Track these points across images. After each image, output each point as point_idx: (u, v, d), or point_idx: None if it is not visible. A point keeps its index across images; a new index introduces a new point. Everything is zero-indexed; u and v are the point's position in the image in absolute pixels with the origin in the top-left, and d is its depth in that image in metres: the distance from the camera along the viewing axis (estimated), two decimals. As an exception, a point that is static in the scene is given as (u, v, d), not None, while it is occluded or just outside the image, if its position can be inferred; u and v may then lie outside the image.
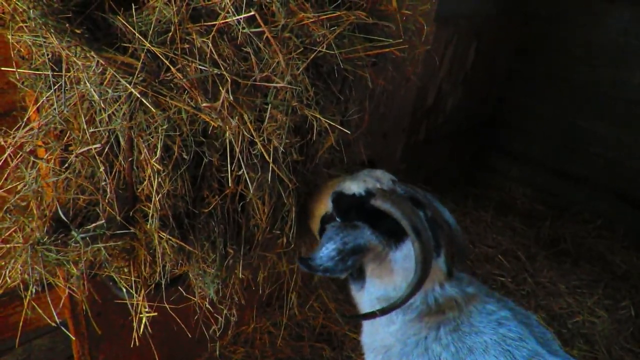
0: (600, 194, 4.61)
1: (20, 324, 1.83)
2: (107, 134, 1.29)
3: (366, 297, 1.61)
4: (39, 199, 1.40)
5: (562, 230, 4.45)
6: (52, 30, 1.14)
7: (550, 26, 4.59)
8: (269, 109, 1.36)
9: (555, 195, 4.90)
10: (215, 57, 1.25)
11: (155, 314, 1.63)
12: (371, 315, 1.47)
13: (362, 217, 1.52)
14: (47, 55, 1.21)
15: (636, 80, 4.19)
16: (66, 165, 1.37)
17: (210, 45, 1.23)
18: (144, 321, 1.61)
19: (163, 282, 1.61)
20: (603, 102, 4.42)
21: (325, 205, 1.67)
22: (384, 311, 1.44)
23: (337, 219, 1.59)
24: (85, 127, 1.25)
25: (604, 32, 4.26)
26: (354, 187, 1.59)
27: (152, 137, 1.30)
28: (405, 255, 1.50)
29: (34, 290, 1.47)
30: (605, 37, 4.27)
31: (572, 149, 4.73)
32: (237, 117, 1.30)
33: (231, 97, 1.26)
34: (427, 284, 1.50)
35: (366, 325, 1.72)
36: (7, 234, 1.41)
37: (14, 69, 1.27)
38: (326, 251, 1.44)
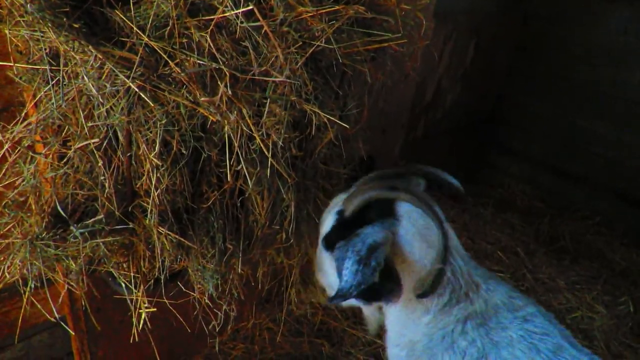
0: (600, 192, 4.61)
1: (20, 320, 1.84)
2: (105, 128, 1.29)
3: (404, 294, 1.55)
4: (37, 194, 1.40)
5: (562, 228, 4.46)
6: (49, 25, 1.13)
7: (550, 25, 4.58)
8: (267, 103, 1.36)
9: (555, 194, 4.90)
10: (214, 51, 1.25)
11: (155, 309, 1.63)
12: (439, 275, 1.39)
13: (352, 229, 1.47)
14: (45, 49, 1.21)
15: (636, 80, 4.19)
16: (64, 160, 1.37)
17: (208, 39, 1.23)
18: (143, 316, 1.61)
19: (162, 278, 1.61)
20: (603, 101, 4.42)
21: (330, 264, 1.62)
22: (441, 260, 1.37)
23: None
24: (83, 121, 1.25)
25: (604, 31, 4.26)
26: (327, 224, 1.60)
27: (151, 132, 1.30)
28: (409, 219, 1.46)
29: (32, 286, 1.47)
30: (605, 36, 4.27)
31: (571, 148, 4.73)
32: (235, 112, 1.30)
33: (230, 92, 1.26)
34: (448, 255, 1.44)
35: (394, 320, 1.64)
36: (5, 229, 1.40)
37: (12, 64, 1.26)
38: (347, 271, 1.38)
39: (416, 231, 1.47)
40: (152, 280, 1.65)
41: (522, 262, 3.91)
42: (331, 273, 1.63)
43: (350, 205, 1.49)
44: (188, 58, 1.23)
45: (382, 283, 1.49)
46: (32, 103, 1.29)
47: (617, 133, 4.40)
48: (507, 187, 5.17)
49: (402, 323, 1.61)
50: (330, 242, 1.56)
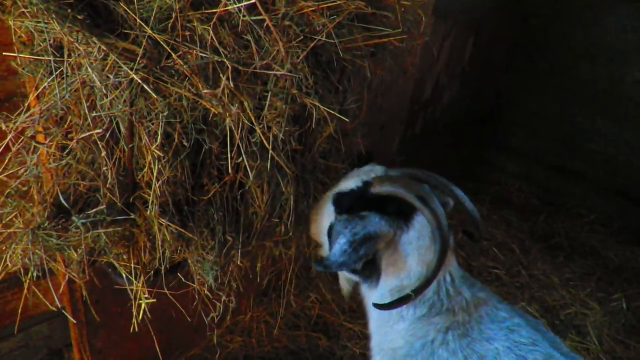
0: (597, 190, 4.65)
1: (19, 310, 1.85)
2: (107, 119, 1.30)
3: (378, 292, 1.57)
4: (39, 184, 1.41)
5: (557, 225, 4.50)
6: (53, 16, 1.14)
7: (549, 22, 4.60)
8: (268, 96, 1.38)
9: (551, 191, 4.94)
10: (216, 44, 1.26)
11: (154, 300, 1.65)
12: (405, 299, 1.42)
13: (366, 208, 1.49)
14: (49, 40, 1.22)
15: (634, 77, 4.22)
16: (67, 151, 1.38)
17: (211, 32, 1.24)
18: (143, 307, 1.63)
19: (162, 269, 1.63)
20: (601, 99, 4.45)
21: (328, 217, 1.64)
22: (417, 291, 1.39)
23: (340, 216, 1.55)
24: (86, 112, 1.26)
25: (603, 29, 4.28)
26: (349, 183, 1.59)
27: (153, 124, 1.31)
28: (417, 233, 1.47)
29: (34, 275, 1.49)
30: (604, 33, 4.29)
31: (569, 145, 4.76)
32: (237, 105, 1.31)
33: (231, 84, 1.27)
34: (439, 273, 1.46)
35: (376, 327, 1.67)
36: (8, 219, 1.42)
37: (15, 54, 1.27)
38: (338, 246, 1.42)
39: (418, 246, 1.48)
40: (152, 272, 1.66)
41: (517, 259, 3.95)
42: (325, 226, 1.65)
43: (380, 186, 1.48)
44: (191, 51, 1.24)
45: (363, 271, 1.56)
46: (35, 94, 1.30)
47: (615, 130, 4.43)
48: (503, 184, 5.21)
49: (381, 327, 1.63)
50: (340, 202, 1.57)
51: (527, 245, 4.16)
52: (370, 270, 1.57)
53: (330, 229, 1.61)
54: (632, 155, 4.38)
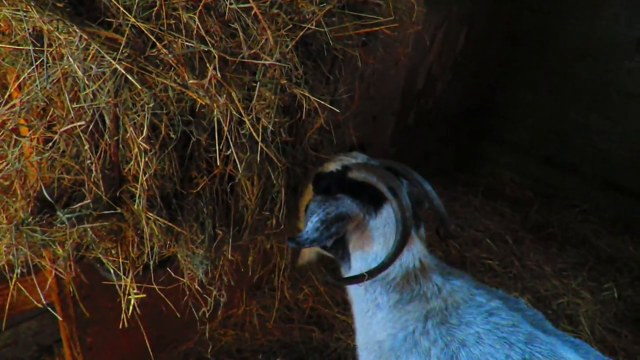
0: (589, 181, 4.68)
1: (7, 307, 1.82)
2: (91, 111, 1.26)
3: (351, 274, 1.63)
4: (22, 178, 1.37)
5: (550, 216, 4.52)
6: (32, 4, 1.10)
7: (543, 16, 4.59)
8: (257, 87, 1.34)
9: (544, 183, 4.96)
10: (202, 33, 1.22)
11: (144, 295, 1.62)
12: (359, 278, 1.50)
13: (341, 191, 1.57)
14: (28, 30, 1.18)
15: (625, 70, 4.22)
16: (50, 144, 1.34)
17: (197, 21, 1.21)
18: (132, 303, 1.60)
19: (151, 264, 1.60)
20: (593, 92, 4.45)
21: (308, 195, 1.72)
22: (371, 273, 1.47)
23: (316, 196, 1.63)
24: (68, 104, 1.22)
25: (597, 23, 4.28)
26: (331, 166, 1.67)
27: (138, 116, 1.27)
28: (384, 221, 1.55)
29: (19, 272, 1.45)
30: (596, 26, 4.28)
31: (561, 138, 4.77)
32: (225, 95, 1.28)
33: (219, 75, 1.24)
34: (407, 258, 1.55)
35: (358, 319, 1.72)
36: (-10, 214, 1.38)
37: (-6, 44, 1.23)
38: (311, 224, 1.50)
39: (383, 232, 1.56)
40: (141, 267, 1.64)
41: (510, 250, 3.97)
42: (304, 204, 1.73)
43: (358, 173, 1.57)
44: (176, 40, 1.20)
45: (334, 249, 1.65)
46: (16, 85, 1.26)
47: (607, 122, 4.44)
48: (497, 176, 5.22)
49: (362, 319, 1.68)
50: (319, 182, 1.66)
51: (520, 236, 4.17)
52: (339, 249, 1.64)
53: (307, 207, 1.67)
54: (623, 148, 4.39)
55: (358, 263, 1.61)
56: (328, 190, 1.60)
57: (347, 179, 1.59)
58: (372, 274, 1.48)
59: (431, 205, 1.64)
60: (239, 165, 1.46)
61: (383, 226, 1.55)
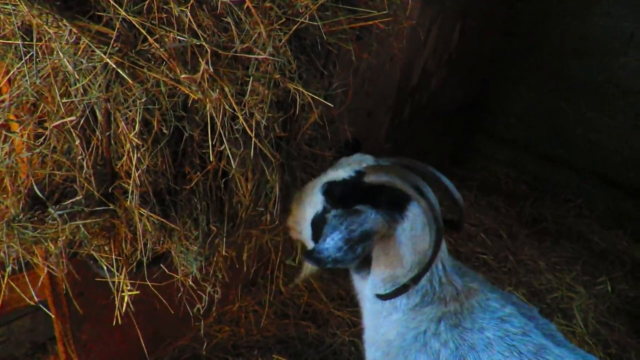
0: (583, 176, 4.70)
1: (-1, 304, 1.80)
2: (82, 106, 1.25)
3: (370, 283, 1.56)
4: (13, 174, 1.36)
5: (544, 210, 4.54)
6: (21, -3, 1.08)
7: (537, 11, 4.59)
8: (250, 81, 1.33)
9: (538, 178, 4.98)
10: (194, 27, 1.21)
11: (138, 292, 1.61)
12: (403, 289, 1.39)
13: (360, 200, 1.46)
14: (17, 23, 1.16)
15: (619, 64, 4.23)
16: (41, 140, 1.32)
17: (188, 14, 1.19)
18: (126, 299, 1.59)
19: (145, 260, 1.59)
20: (587, 86, 4.46)
21: (313, 205, 1.60)
22: (416, 279, 1.37)
23: (335, 210, 1.52)
24: (59, 99, 1.20)
25: (591, 18, 4.28)
26: (341, 173, 1.55)
27: (130, 111, 1.26)
28: (411, 223, 1.45)
29: (10, 270, 1.44)
30: (590, 21, 4.29)
31: (555, 132, 4.79)
32: (217, 90, 1.27)
33: (211, 69, 1.22)
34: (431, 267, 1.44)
35: (369, 319, 1.66)
36: (-20, 211, 1.36)
37: (-18, 39, 1.21)
38: (332, 242, 1.39)
39: (412, 236, 1.47)
40: (135, 263, 1.62)
41: (504, 244, 3.98)
42: (309, 215, 1.61)
43: (375, 177, 1.44)
44: (168, 34, 1.19)
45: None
46: (5, 80, 1.24)
47: (601, 117, 4.46)
48: (491, 171, 5.23)
49: (374, 319, 1.62)
50: (332, 192, 1.53)
51: (514, 231, 4.19)
52: (361, 265, 1.55)
53: (318, 220, 1.58)
54: (616, 142, 4.41)
55: (382, 270, 1.51)
56: (345, 200, 1.48)
57: (364, 185, 1.46)
58: (416, 280, 1.38)
59: (451, 198, 1.56)
60: (232, 161, 1.44)
61: (410, 229, 1.45)
